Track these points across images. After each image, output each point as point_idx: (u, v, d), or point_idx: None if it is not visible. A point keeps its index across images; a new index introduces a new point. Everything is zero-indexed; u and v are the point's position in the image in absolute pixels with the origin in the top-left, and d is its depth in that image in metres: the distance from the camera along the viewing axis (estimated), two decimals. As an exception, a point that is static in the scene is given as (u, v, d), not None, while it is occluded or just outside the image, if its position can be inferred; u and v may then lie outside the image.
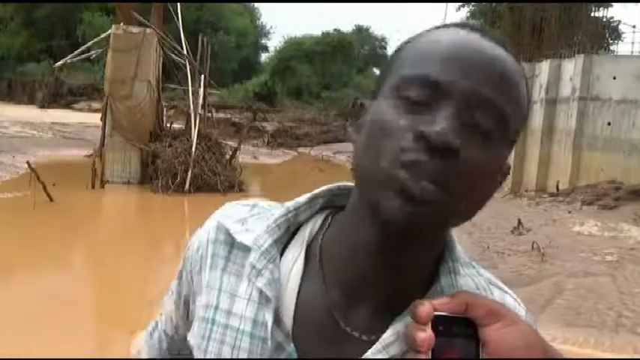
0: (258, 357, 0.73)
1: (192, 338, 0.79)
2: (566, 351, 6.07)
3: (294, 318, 0.74)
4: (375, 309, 0.74)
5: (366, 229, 0.72)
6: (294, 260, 0.77)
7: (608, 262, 8.66)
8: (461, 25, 0.72)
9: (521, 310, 0.79)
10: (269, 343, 0.72)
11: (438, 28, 0.73)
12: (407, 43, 0.73)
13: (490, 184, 0.70)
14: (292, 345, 0.73)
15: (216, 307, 0.77)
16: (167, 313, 0.91)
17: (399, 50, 0.73)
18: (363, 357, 0.72)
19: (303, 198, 0.80)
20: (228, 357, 0.75)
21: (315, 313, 0.75)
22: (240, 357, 0.74)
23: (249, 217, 0.80)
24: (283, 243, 0.78)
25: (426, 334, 0.62)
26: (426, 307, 0.63)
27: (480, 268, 0.80)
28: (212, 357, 0.76)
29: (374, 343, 0.72)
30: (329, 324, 0.74)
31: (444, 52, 0.67)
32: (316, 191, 0.81)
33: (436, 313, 0.63)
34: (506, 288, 0.81)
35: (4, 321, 6.21)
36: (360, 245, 0.73)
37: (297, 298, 0.75)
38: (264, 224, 0.78)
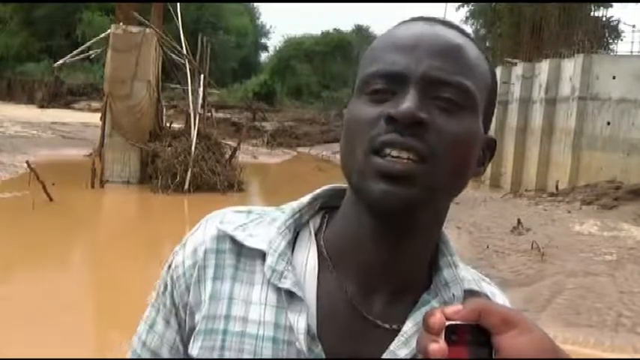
0: None
1: (198, 351, 0.76)
2: (566, 351, 6.07)
3: (317, 316, 0.74)
4: (390, 297, 0.77)
5: (365, 218, 0.75)
6: (305, 260, 0.78)
7: (608, 261, 8.67)
8: (416, 19, 0.78)
9: (507, 304, 0.82)
10: (297, 345, 0.72)
11: (395, 26, 0.79)
12: (370, 44, 0.79)
13: (466, 152, 0.73)
14: (320, 346, 0.73)
15: (228, 316, 0.75)
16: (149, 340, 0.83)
17: (364, 51, 0.79)
18: (386, 351, 0.74)
19: (305, 199, 0.82)
20: None
21: (335, 308, 0.75)
22: None
23: (249, 223, 0.79)
24: (293, 244, 0.79)
25: (438, 346, 0.61)
26: (437, 318, 0.62)
27: (465, 265, 0.84)
28: None
29: (395, 332, 0.74)
30: (351, 316, 0.75)
31: (398, 44, 0.73)
32: (317, 192, 0.83)
33: (448, 322, 0.62)
34: (490, 282, 0.86)
35: (4, 321, 6.21)
36: (363, 234, 0.76)
37: (317, 297, 0.75)
38: (269, 228, 0.78)
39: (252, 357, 0.73)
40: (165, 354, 0.81)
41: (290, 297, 0.74)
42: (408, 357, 0.73)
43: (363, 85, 0.73)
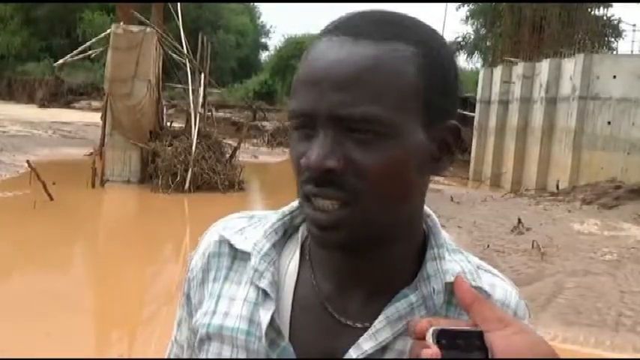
0: (255, 353, 0.77)
1: (197, 344, 0.83)
2: (566, 350, 6.07)
3: (291, 314, 0.78)
4: (366, 297, 0.78)
5: None
6: (289, 261, 0.82)
7: (609, 261, 8.67)
8: (332, 31, 0.73)
9: (512, 293, 0.81)
10: (263, 340, 0.76)
11: (314, 44, 0.74)
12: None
13: (395, 178, 0.70)
14: (286, 340, 0.76)
15: (214, 312, 0.81)
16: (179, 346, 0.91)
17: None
18: (353, 345, 0.75)
19: (297, 202, 0.83)
20: (229, 355, 0.79)
21: (310, 308, 0.79)
22: (239, 355, 0.78)
23: (248, 227, 0.85)
24: (282, 246, 0.83)
25: (431, 350, 0.61)
26: (417, 319, 0.64)
27: (470, 255, 0.82)
28: (213, 356, 0.80)
29: (367, 330, 0.75)
30: (324, 317, 0.78)
31: (308, 76, 0.71)
32: None
33: (438, 327, 0.62)
34: (496, 272, 0.83)
35: (4, 320, 6.21)
36: None
37: (294, 296, 0.79)
38: (261, 230, 0.83)
39: (230, 347, 0.79)
40: (185, 347, 0.89)
41: (265, 295, 0.78)
42: (374, 350, 0.74)
43: (290, 119, 0.74)
